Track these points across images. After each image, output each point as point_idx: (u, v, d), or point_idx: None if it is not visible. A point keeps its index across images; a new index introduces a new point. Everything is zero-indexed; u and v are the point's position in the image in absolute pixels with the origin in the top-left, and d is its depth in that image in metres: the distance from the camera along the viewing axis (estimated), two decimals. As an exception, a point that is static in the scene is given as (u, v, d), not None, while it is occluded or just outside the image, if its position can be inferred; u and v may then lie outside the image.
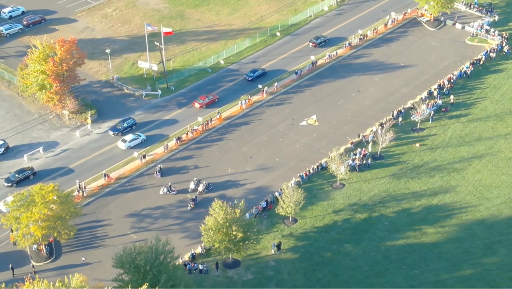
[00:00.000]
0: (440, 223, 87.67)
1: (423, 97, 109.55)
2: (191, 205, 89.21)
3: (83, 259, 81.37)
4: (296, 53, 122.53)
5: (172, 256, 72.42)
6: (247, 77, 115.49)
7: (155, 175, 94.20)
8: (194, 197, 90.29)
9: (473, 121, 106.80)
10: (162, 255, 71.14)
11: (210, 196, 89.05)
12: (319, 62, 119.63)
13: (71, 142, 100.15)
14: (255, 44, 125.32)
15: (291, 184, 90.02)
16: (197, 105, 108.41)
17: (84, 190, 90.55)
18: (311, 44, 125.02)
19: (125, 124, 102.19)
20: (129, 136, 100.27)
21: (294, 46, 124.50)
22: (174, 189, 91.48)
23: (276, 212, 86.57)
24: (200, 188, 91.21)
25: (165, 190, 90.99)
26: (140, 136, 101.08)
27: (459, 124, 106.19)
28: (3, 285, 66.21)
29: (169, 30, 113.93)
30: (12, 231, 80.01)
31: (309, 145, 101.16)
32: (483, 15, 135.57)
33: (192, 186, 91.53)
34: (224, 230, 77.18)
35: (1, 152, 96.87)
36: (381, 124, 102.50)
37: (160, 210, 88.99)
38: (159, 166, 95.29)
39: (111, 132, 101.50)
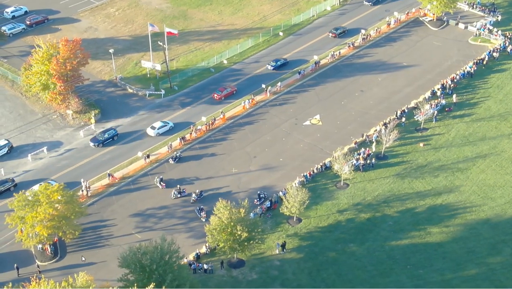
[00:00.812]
0: (444, 222, 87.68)
1: (427, 97, 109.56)
2: (193, 199, 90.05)
3: (83, 259, 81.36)
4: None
5: (177, 256, 72.46)
6: (269, 67, 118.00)
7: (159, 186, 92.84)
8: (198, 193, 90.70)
9: (477, 121, 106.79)
10: (168, 254, 71.09)
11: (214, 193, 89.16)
12: (322, 62, 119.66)
13: (75, 142, 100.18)
14: (258, 44, 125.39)
15: (295, 184, 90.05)
16: (216, 96, 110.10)
17: (88, 189, 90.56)
18: (331, 34, 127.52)
19: (106, 135, 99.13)
20: (158, 124, 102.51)
21: (299, 44, 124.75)
22: (184, 189, 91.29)
23: (281, 211, 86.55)
24: (193, 196, 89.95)
25: (176, 193, 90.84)
26: (168, 123, 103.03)
27: (462, 124, 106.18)
28: (9, 285, 66.21)
29: (175, 31, 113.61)
30: (21, 231, 79.62)
31: (312, 144, 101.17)
32: (486, 15, 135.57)
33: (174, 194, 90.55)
34: (229, 230, 77.19)
35: (5, 152, 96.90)
36: (385, 124, 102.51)
37: (165, 209, 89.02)
38: (161, 176, 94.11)
39: (91, 144, 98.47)
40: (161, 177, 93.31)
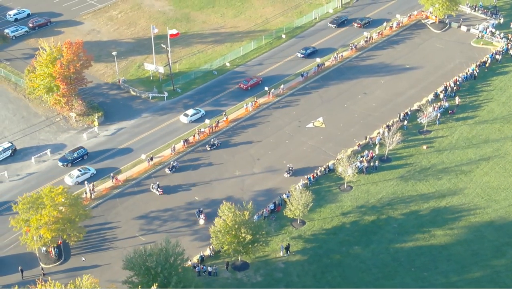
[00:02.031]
0: (448, 225, 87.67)
1: (430, 100, 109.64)
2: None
3: (83, 259, 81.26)
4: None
5: (182, 258, 72.55)
6: (299, 55, 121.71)
7: (155, 190, 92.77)
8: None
9: (480, 123, 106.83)
10: (173, 257, 71.16)
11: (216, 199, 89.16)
12: (325, 64, 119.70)
13: (78, 145, 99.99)
14: (260, 47, 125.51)
15: (299, 186, 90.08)
16: (242, 86, 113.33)
17: (92, 192, 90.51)
18: (356, 25, 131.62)
19: (75, 155, 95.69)
20: (190, 111, 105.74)
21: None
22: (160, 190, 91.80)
23: (284, 214, 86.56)
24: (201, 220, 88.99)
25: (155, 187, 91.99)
26: (200, 111, 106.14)
27: (466, 126, 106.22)
28: (15, 287, 66.14)
29: (175, 32, 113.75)
30: (26, 234, 79.41)
31: (316, 147, 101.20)
32: (488, 18, 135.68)
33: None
34: (233, 232, 77.16)
35: (9, 155, 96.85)
36: (388, 127, 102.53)
37: (169, 212, 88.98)
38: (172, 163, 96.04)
39: (60, 164, 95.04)
40: (157, 183, 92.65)
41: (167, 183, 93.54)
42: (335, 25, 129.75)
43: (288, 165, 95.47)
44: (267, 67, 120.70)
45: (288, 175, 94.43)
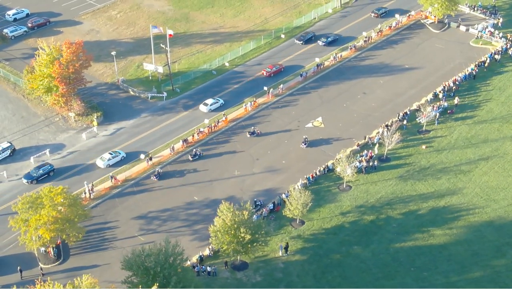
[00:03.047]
0: (448, 225, 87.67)
1: (429, 99, 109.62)
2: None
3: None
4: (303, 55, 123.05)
5: (181, 258, 72.40)
6: (321, 43, 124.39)
7: (152, 178, 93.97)
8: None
9: (479, 123, 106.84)
10: (172, 257, 71.06)
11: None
12: (325, 64, 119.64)
13: (77, 145, 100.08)
14: (260, 46, 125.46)
15: (298, 186, 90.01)
16: (264, 73, 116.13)
17: (91, 192, 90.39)
18: (373, 15, 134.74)
19: (40, 171, 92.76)
20: (209, 100, 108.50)
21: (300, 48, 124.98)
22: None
23: (284, 214, 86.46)
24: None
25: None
26: (219, 100, 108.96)
27: (465, 126, 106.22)
28: (14, 288, 66.03)
29: (170, 32, 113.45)
30: (25, 234, 79.30)
31: (315, 147, 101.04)
32: (487, 17, 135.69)
33: None
34: (232, 232, 77.08)
35: (8, 154, 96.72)
36: (387, 126, 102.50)
37: (168, 212, 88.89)
38: (158, 170, 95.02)
39: (24, 180, 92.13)
40: (157, 170, 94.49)
41: (167, 183, 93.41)
42: (301, 42, 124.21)
43: (304, 136, 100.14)
44: (333, 30, 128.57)
45: (305, 146, 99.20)
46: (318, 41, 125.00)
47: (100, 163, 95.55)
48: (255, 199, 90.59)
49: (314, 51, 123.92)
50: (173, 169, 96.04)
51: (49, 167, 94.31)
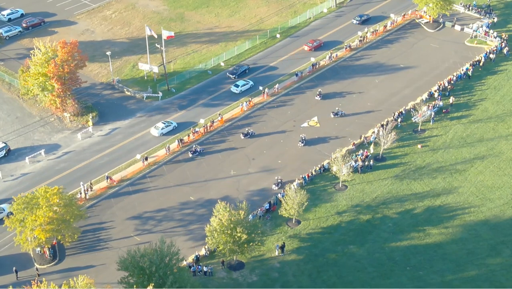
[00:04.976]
0: (443, 224, 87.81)
1: (424, 99, 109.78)
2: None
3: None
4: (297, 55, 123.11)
5: (177, 258, 72.33)
6: (355, 21, 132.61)
7: (189, 154, 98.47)
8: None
9: (474, 122, 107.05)
10: (168, 257, 71.02)
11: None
12: (320, 64, 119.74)
13: (73, 145, 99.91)
14: (255, 46, 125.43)
15: (293, 186, 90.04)
16: (306, 48, 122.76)
17: (86, 192, 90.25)
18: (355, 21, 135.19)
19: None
20: (240, 82, 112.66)
21: (294, 48, 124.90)
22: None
23: (279, 213, 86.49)
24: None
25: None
26: (249, 82, 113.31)
27: (460, 125, 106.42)
28: (10, 288, 65.88)
29: (171, 34, 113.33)
30: (20, 234, 79.05)
31: (311, 146, 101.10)
32: (482, 17, 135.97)
33: None
34: (229, 232, 77.06)
35: (3, 155, 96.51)
36: (382, 126, 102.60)
37: (163, 212, 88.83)
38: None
39: None
40: (195, 146, 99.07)
41: (162, 183, 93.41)
42: (234, 76, 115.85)
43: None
44: (328, 30, 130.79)
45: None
46: (352, 20, 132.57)
47: (154, 132, 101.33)
48: (276, 177, 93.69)
49: (348, 30, 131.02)
50: (169, 169, 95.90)
51: None
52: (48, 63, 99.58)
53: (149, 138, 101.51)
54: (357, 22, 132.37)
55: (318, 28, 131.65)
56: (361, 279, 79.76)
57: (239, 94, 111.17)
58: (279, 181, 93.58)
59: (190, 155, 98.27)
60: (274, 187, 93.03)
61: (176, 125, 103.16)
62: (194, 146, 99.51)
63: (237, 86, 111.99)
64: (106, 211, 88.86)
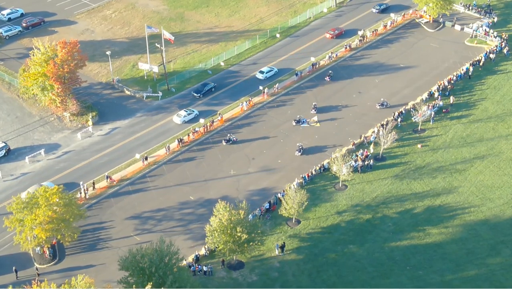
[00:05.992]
0: (443, 223, 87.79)
1: (424, 99, 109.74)
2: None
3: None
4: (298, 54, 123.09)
5: (177, 258, 72.33)
6: (374, 10, 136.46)
7: (223, 142, 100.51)
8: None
9: (474, 122, 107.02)
10: (167, 256, 71.00)
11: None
12: (320, 63, 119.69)
13: (73, 145, 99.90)
14: (255, 46, 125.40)
15: (293, 185, 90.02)
16: (328, 36, 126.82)
17: (86, 192, 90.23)
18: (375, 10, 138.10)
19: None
20: (265, 68, 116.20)
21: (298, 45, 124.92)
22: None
23: (279, 213, 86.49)
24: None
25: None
26: (273, 69, 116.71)
27: (460, 125, 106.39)
28: (10, 288, 65.85)
29: (171, 37, 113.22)
30: (20, 233, 79.04)
31: (311, 146, 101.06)
32: (482, 17, 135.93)
33: None
34: (229, 231, 77.05)
35: (3, 155, 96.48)
36: (382, 126, 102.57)
37: (163, 212, 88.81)
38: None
39: None
40: (229, 135, 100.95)
41: (162, 183, 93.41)
42: (199, 95, 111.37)
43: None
44: (347, 20, 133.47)
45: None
46: (372, 9, 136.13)
47: (177, 120, 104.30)
48: (298, 144, 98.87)
49: (367, 19, 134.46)
50: (169, 169, 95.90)
51: None
52: (47, 63, 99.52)
53: (172, 126, 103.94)
54: (377, 11, 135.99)
55: (318, 28, 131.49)
56: (361, 278, 79.77)
57: (263, 80, 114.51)
58: (300, 147, 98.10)
59: (224, 144, 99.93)
60: (297, 153, 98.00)
61: (198, 113, 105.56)
62: (228, 134, 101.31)
63: (262, 72, 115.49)
64: (106, 210, 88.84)
